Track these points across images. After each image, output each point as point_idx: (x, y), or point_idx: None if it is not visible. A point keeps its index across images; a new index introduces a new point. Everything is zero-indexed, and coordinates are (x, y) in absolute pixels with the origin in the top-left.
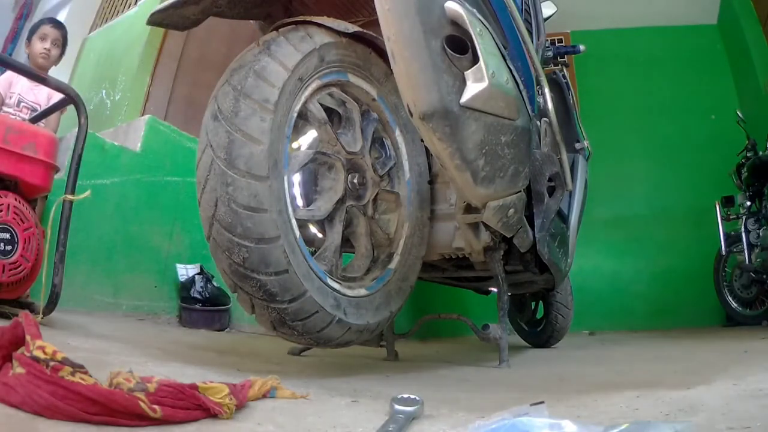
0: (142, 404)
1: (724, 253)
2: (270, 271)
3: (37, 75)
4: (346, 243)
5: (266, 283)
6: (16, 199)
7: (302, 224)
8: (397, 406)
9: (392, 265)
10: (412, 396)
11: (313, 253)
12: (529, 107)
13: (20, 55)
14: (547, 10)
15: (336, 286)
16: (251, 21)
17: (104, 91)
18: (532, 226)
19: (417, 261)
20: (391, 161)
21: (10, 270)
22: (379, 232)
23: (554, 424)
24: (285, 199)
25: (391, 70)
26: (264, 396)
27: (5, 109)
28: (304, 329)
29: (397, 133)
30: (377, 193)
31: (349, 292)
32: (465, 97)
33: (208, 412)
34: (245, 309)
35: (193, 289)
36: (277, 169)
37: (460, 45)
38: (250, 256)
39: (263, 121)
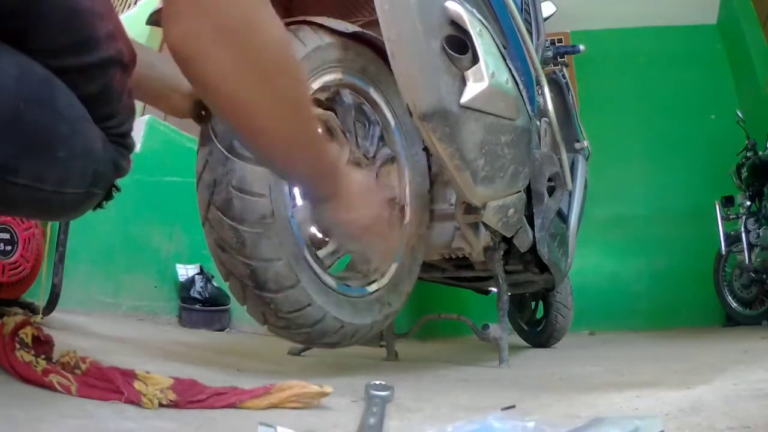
0: (53, 378)
1: (724, 252)
2: (317, 329)
3: None
4: None
5: (310, 333)
6: None
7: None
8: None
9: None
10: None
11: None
12: (529, 107)
13: None
14: (547, 10)
15: (360, 291)
16: None
17: None
18: (532, 226)
19: (423, 221)
20: (378, 128)
21: (10, 270)
22: None
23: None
24: (310, 267)
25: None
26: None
27: None
28: (347, 343)
29: (372, 91)
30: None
31: (372, 288)
32: (465, 97)
33: (125, 396)
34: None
35: (193, 289)
36: (290, 242)
37: (460, 45)
38: (310, 336)
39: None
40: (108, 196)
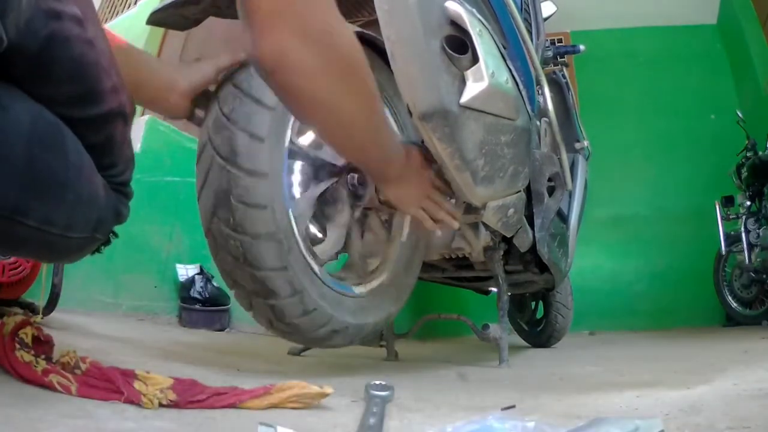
0: (53, 378)
1: (724, 253)
2: (267, 265)
3: None
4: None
5: (299, 324)
6: None
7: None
8: (372, 392)
9: (403, 238)
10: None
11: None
12: (528, 107)
13: None
14: (547, 10)
15: (362, 290)
16: None
17: None
18: (532, 226)
19: (410, 276)
20: None
21: (10, 270)
22: (384, 211)
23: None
24: (311, 270)
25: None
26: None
27: None
28: (332, 344)
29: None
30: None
31: (373, 284)
32: (465, 97)
33: (125, 396)
34: (274, 333)
35: (193, 289)
36: (293, 252)
37: (459, 45)
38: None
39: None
40: (107, 242)
